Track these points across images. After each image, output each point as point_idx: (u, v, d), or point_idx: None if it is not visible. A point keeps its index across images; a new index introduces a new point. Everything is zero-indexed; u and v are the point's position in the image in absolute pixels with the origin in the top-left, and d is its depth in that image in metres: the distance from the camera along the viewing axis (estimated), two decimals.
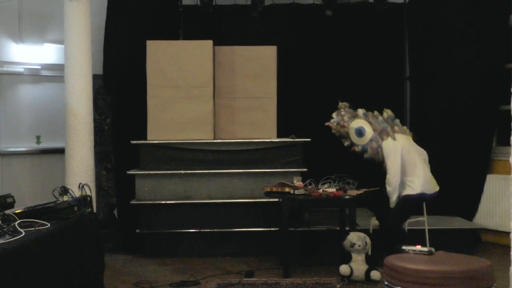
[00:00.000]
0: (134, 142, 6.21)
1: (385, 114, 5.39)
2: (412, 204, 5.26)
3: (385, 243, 5.01)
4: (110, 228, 6.73)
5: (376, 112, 5.42)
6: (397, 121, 5.41)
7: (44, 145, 7.26)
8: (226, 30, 7.26)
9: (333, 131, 5.49)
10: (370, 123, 5.30)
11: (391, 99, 6.66)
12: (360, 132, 5.29)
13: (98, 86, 6.94)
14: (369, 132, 5.28)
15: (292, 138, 6.27)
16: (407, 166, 5.20)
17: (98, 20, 6.53)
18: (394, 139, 5.22)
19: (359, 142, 5.31)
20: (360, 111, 5.41)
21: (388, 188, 5.20)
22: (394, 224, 5.19)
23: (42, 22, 7.23)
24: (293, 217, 5.70)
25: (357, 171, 5.82)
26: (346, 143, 5.45)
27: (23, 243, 3.19)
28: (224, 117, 6.45)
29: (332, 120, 5.50)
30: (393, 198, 5.21)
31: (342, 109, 5.47)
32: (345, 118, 5.38)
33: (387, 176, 5.19)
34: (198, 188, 6.16)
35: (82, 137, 5.73)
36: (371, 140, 5.26)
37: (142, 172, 6.16)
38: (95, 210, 4.88)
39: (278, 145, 6.30)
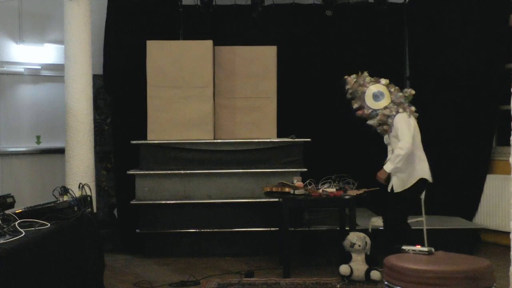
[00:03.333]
0: (134, 142, 6.21)
1: (405, 93, 5.26)
2: (418, 188, 5.16)
3: (392, 237, 5.01)
4: (110, 228, 6.73)
5: (397, 88, 5.33)
6: (413, 107, 5.27)
7: (44, 145, 7.26)
8: (226, 30, 7.25)
9: (348, 87, 5.29)
10: (390, 92, 5.21)
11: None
12: (377, 96, 5.18)
13: (98, 86, 6.95)
14: (386, 99, 5.16)
15: (292, 138, 6.27)
16: (415, 148, 5.12)
17: (98, 20, 6.53)
18: (409, 116, 5.14)
19: (372, 105, 5.17)
20: (383, 80, 5.29)
21: (401, 152, 4.98)
22: (401, 211, 5.12)
23: (42, 22, 7.23)
24: (293, 217, 5.70)
25: (357, 171, 5.83)
26: (355, 105, 5.28)
27: (23, 243, 3.19)
28: (224, 117, 6.45)
29: (352, 76, 5.35)
30: (398, 164, 5.03)
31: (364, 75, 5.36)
32: (367, 79, 5.27)
33: (401, 142, 5.00)
34: (198, 188, 6.16)
35: (82, 137, 5.73)
36: (386, 107, 5.14)
37: (142, 172, 6.16)
38: (95, 210, 4.88)
39: (278, 145, 6.30)
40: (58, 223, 3.76)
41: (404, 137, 5.01)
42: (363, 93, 5.22)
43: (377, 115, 5.17)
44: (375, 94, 5.19)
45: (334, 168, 5.77)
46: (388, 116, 5.12)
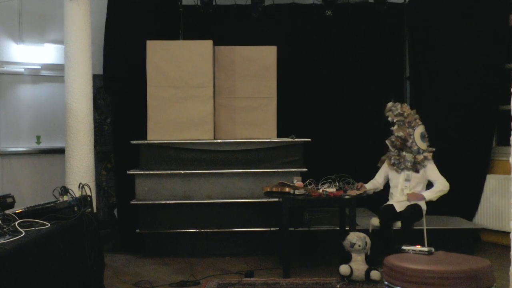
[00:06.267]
0: (134, 142, 6.21)
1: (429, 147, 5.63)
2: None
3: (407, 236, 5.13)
4: (110, 228, 6.73)
5: None
6: None
7: (44, 145, 7.27)
8: (226, 30, 7.25)
9: (401, 112, 5.51)
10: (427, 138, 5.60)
11: (391, 99, 6.68)
12: (424, 137, 5.51)
13: (98, 86, 6.95)
14: (427, 143, 5.54)
15: (292, 138, 6.27)
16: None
17: (98, 20, 6.53)
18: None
19: (419, 143, 5.45)
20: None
21: (445, 189, 5.40)
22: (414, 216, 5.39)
23: (42, 22, 7.23)
24: (293, 217, 5.70)
25: (357, 171, 5.83)
26: (400, 133, 5.47)
27: (23, 243, 3.19)
28: (224, 117, 6.45)
29: (406, 106, 5.60)
30: (436, 198, 5.44)
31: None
32: (417, 116, 5.59)
33: (444, 181, 5.40)
34: (198, 188, 6.16)
35: (82, 137, 5.73)
36: (427, 150, 5.48)
37: (142, 172, 6.16)
38: (95, 210, 4.88)
39: (278, 145, 6.30)
40: (58, 223, 3.76)
41: (445, 180, 5.41)
42: (413, 128, 5.49)
43: (419, 153, 5.45)
44: (422, 134, 5.53)
45: (334, 168, 5.77)
46: (427, 159, 5.46)
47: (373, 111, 5.68)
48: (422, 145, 5.47)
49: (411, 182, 5.44)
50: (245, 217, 6.11)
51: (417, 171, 5.44)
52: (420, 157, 5.43)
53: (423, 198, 5.37)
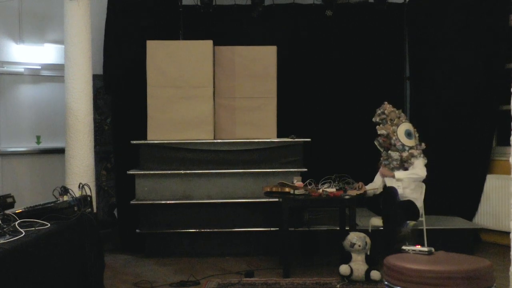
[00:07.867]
0: (134, 142, 6.21)
1: (420, 144, 5.60)
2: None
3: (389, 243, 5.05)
4: (110, 228, 6.73)
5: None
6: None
7: (44, 145, 7.26)
8: (226, 30, 7.25)
9: (382, 111, 5.58)
10: (416, 136, 5.55)
11: (391, 99, 6.66)
12: (409, 134, 5.49)
13: (98, 86, 6.95)
14: (414, 139, 5.51)
15: (292, 138, 6.27)
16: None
17: (98, 20, 6.54)
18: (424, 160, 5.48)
19: (403, 140, 5.44)
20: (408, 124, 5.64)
21: (421, 174, 5.35)
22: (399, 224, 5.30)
23: (42, 22, 7.23)
24: (293, 217, 5.70)
25: (357, 171, 5.83)
26: (382, 131, 5.52)
27: (23, 243, 3.19)
28: (224, 117, 6.45)
29: (388, 105, 5.64)
30: (409, 179, 5.38)
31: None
32: (402, 115, 5.63)
33: (420, 170, 5.35)
34: (198, 188, 6.16)
35: (82, 137, 5.74)
36: (414, 147, 5.45)
37: (142, 172, 6.16)
38: (95, 210, 4.88)
39: (278, 145, 6.30)
40: (58, 223, 3.76)
41: (423, 170, 5.37)
42: (397, 125, 5.50)
43: (404, 150, 5.42)
44: (408, 131, 5.51)
45: (334, 168, 5.77)
46: (413, 156, 5.41)
47: (372, 111, 5.68)
48: (407, 141, 5.44)
49: (403, 182, 5.41)
50: (245, 217, 6.11)
51: (406, 169, 5.43)
52: (405, 153, 5.41)
53: (392, 175, 5.40)
